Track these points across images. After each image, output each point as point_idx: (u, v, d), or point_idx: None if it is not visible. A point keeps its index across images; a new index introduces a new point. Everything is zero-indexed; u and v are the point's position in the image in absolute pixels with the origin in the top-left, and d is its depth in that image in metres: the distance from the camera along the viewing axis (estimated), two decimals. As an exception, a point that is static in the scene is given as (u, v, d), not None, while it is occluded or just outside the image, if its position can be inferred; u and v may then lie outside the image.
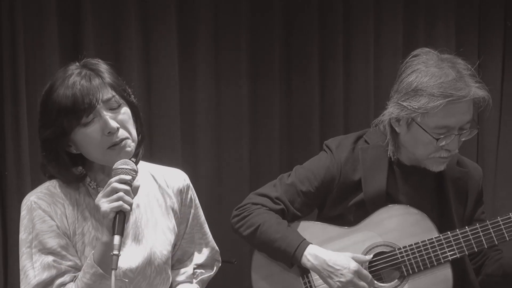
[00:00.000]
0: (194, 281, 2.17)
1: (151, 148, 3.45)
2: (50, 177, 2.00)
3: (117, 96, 1.90)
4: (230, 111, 3.70)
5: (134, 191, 1.82)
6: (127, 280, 1.95)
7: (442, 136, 2.25)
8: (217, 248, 2.27)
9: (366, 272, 2.32)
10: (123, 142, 1.89)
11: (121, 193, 1.77)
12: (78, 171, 1.97)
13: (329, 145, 2.47)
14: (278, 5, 3.74)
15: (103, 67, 1.94)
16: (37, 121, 1.94)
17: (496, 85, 4.10)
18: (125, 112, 1.91)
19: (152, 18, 3.47)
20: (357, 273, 2.30)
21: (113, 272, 1.70)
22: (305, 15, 3.78)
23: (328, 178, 2.41)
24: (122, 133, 1.89)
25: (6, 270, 3.17)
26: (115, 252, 1.71)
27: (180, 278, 2.16)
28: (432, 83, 2.22)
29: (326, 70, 3.86)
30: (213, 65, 3.65)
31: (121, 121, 1.89)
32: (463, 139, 2.30)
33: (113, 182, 1.79)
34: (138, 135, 1.96)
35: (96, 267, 1.81)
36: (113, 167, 1.83)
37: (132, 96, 1.98)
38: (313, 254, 2.32)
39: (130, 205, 1.79)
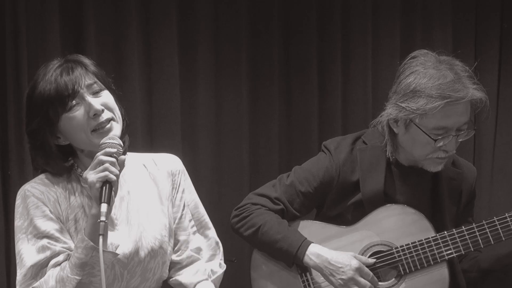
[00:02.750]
0: (209, 278, 2.16)
1: (152, 148, 3.45)
2: (42, 172, 2.04)
3: (99, 82, 1.96)
4: (230, 112, 3.70)
5: (120, 164, 1.87)
6: (124, 260, 1.97)
7: (440, 137, 2.27)
8: (215, 236, 2.24)
9: (367, 270, 2.34)
10: (109, 124, 1.94)
11: (106, 164, 1.83)
12: (68, 163, 2.01)
13: (328, 146, 2.49)
14: (278, 8, 3.75)
15: (84, 58, 2.00)
16: (24, 117, 1.99)
17: (492, 86, 4.10)
18: (108, 95, 1.97)
19: (153, 20, 3.48)
20: (358, 271, 2.31)
21: (100, 237, 1.74)
22: (304, 18, 3.78)
23: (327, 179, 2.43)
24: (106, 114, 1.94)
25: (9, 268, 3.19)
26: (102, 218, 1.76)
27: (195, 278, 2.14)
28: (430, 84, 2.24)
29: (324, 72, 3.85)
30: (214, 67, 3.65)
31: (105, 103, 1.95)
32: (461, 140, 2.32)
33: (99, 155, 1.85)
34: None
35: (87, 240, 1.84)
36: (100, 142, 1.88)
37: (112, 85, 2.04)
38: (315, 253, 2.35)
39: (117, 175, 1.84)
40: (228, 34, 3.65)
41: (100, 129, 1.93)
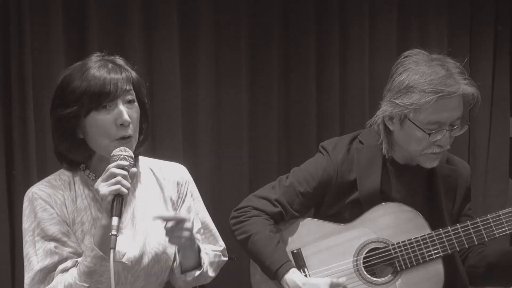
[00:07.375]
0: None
1: (153, 148, 3.48)
2: (62, 162, 2.04)
3: (133, 92, 1.97)
4: (230, 112, 3.73)
5: (131, 176, 1.88)
6: (128, 263, 1.99)
7: (433, 131, 2.31)
8: (221, 243, 2.27)
9: None
10: (129, 140, 1.95)
11: (119, 177, 1.84)
12: (85, 154, 2.02)
13: (326, 146, 2.51)
14: (277, 9, 3.79)
15: (126, 63, 2.01)
16: (53, 99, 1.97)
17: (486, 87, 4.15)
18: (137, 111, 1.99)
19: (154, 20, 3.51)
20: None
21: (111, 251, 1.76)
22: (302, 18, 3.82)
23: (325, 179, 2.45)
24: (130, 129, 1.95)
25: (13, 267, 3.22)
26: (113, 232, 1.78)
27: None
28: (423, 80, 2.28)
29: (322, 72, 3.90)
30: (214, 66, 3.68)
31: (132, 118, 1.96)
32: (455, 135, 2.36)
33: (111, 168, 1.86)
34: (140, 135, 2.02)
35: (97, 250, 1.87)
36: (111, 154, 1.89)
37: (146, 98, 2.05)
38: (291, 280, 2.33)
39: (128, 188, 1.85)
40: (228, 34, 3.69)
41: (123, 141, 1.94)
